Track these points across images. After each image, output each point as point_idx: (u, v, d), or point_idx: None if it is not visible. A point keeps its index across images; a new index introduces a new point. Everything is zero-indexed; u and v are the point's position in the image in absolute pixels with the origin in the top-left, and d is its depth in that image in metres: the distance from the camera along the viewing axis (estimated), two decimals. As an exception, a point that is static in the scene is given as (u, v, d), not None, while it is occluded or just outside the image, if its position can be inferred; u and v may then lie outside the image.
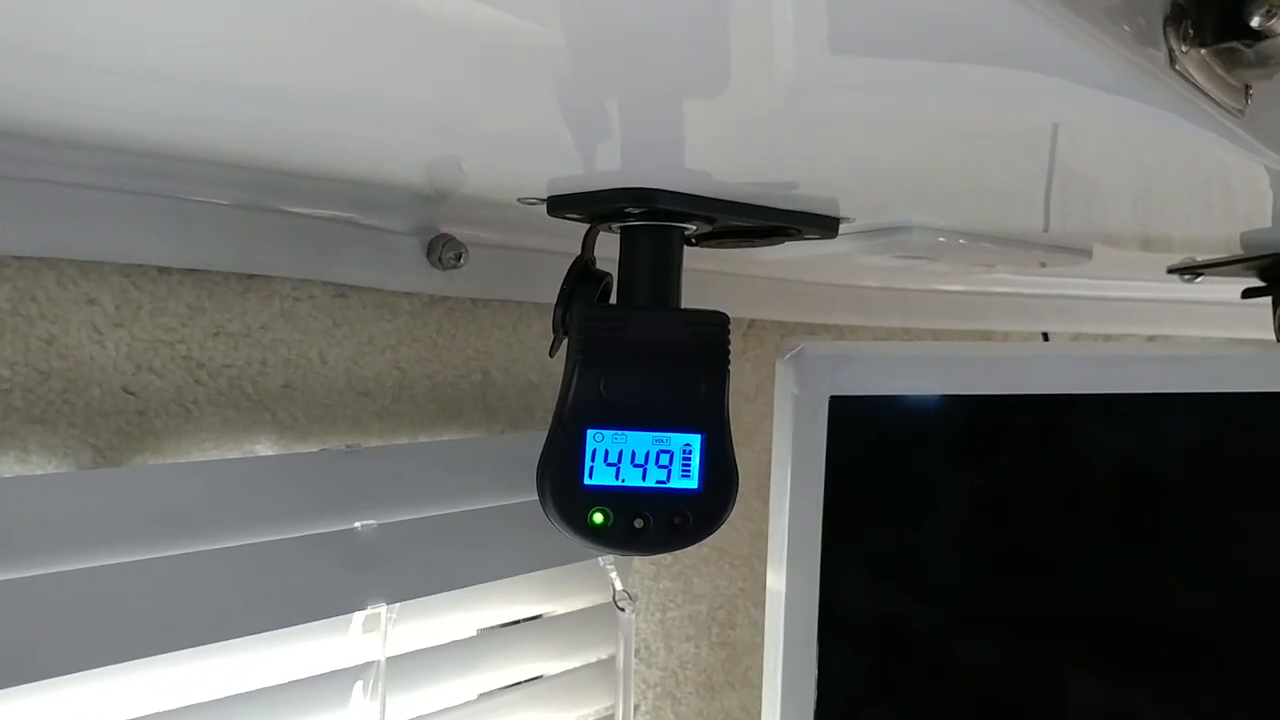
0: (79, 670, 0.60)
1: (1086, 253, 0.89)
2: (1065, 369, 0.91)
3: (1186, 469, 0.98)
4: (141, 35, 0.39)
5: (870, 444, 0.85)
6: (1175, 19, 0.40)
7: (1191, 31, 0.41)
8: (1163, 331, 1.34)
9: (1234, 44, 0.41)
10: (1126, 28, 0.40)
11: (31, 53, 0.41)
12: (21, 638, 0.58)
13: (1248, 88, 0.46)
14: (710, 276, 0.97)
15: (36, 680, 0.59)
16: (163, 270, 0.67)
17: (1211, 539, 0.99)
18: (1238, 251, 0.92)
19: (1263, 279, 0.99)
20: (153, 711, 0.65)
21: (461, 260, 0.78)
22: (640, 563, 1.01)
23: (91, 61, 0.43)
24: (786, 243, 0.75)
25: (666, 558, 1.05)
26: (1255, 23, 0.40)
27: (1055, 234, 0.84)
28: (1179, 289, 1.07)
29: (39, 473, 0.64)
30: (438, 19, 0.36)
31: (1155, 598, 1.00)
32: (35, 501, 0.60)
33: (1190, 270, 0.99)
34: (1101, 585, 0.97)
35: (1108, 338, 1.33)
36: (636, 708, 1.04)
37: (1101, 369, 0.92)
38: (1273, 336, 1.00)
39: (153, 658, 0.64)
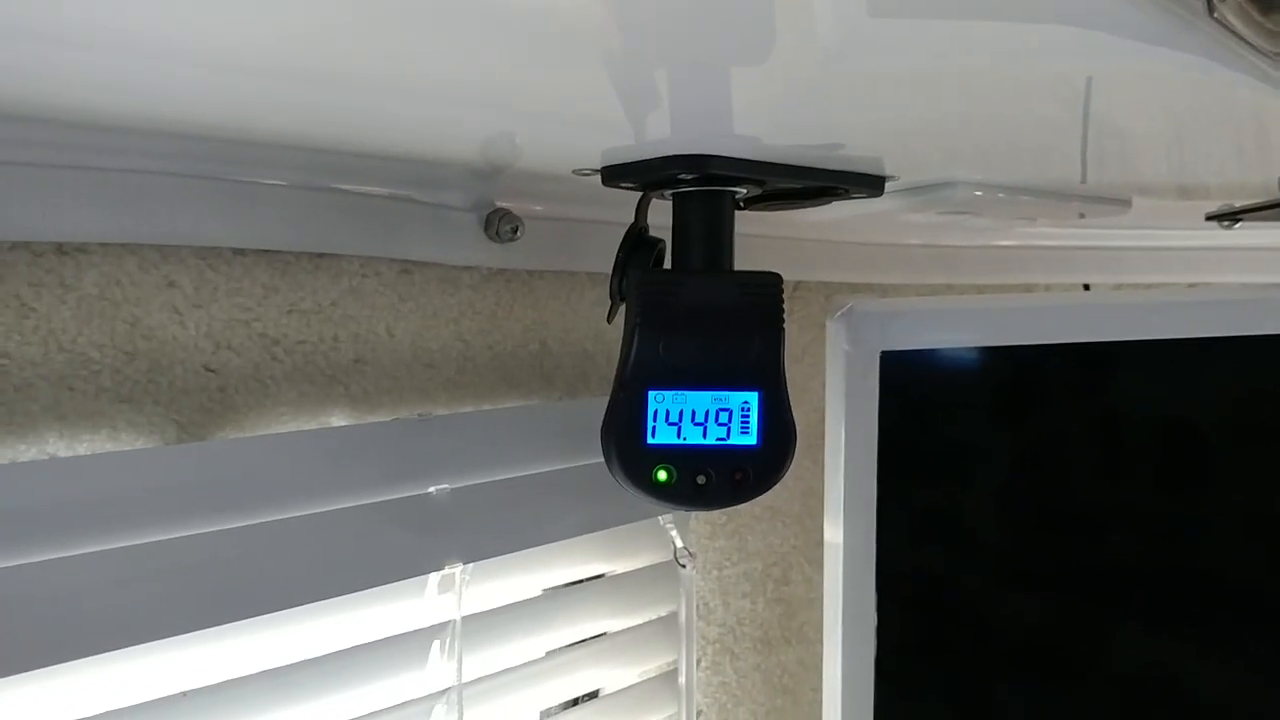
0: (178, 634, 0.64)
1: (1125, 203, 0.91)
2: (1111, 316, 0.93)
3: (1231, 413, 1.00)
4: (214, 23, 0.41)
5: (921, 397, 0.87)
6: (1213, -32, 0.42)
7: (1228, -22, 0.42)
8: (1203, 279, 1.35)
9: (1271, -11, 0.43)
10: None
11: (111, 43, 0.44)
12: (126, 603, 0.62)
13: (1283, 33, 0.47)
14: (755, 240, 0.99)
15: (140, 643, 0.63)
16: (237, 252, 0.70)
17: (1256, 484, 1.00)
18: (1276, 196, 0.93)
19: (1302, 223, 1.00)
20: (248, 672, 0.69)
21: (518, 233, 0.80)
22: (696, 522, 1.04)
23: (168, 50, 0.45)
24: (834, 202, 0.77)
25: (721, 517, 1.08)
26: (1293, -32, 0.42)
27: (1093, 185, 0.86)
28: (1218, 235, 1.08)
29: (128, 449, 0.67)
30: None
31: (1201, 546, 1.01)
32: (127, 476, 0.63)
33: (1229, 216, 1.00)
34: (1148, 534, 0.99)
35: (1148, 287, 1.34)
36: (697, 663, 1.07)
37: (1144, 315, 0.93)
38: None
39: (244, 621, 0.67)
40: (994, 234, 1.16)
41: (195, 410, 0.70)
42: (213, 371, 0.70)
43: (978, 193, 0.82)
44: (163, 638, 0.64)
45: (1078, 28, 0.44)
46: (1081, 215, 0.94)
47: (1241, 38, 0.44)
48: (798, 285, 1.11)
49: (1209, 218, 1.03)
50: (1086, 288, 1.29)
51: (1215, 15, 0.42)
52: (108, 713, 0.62)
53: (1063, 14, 0.43)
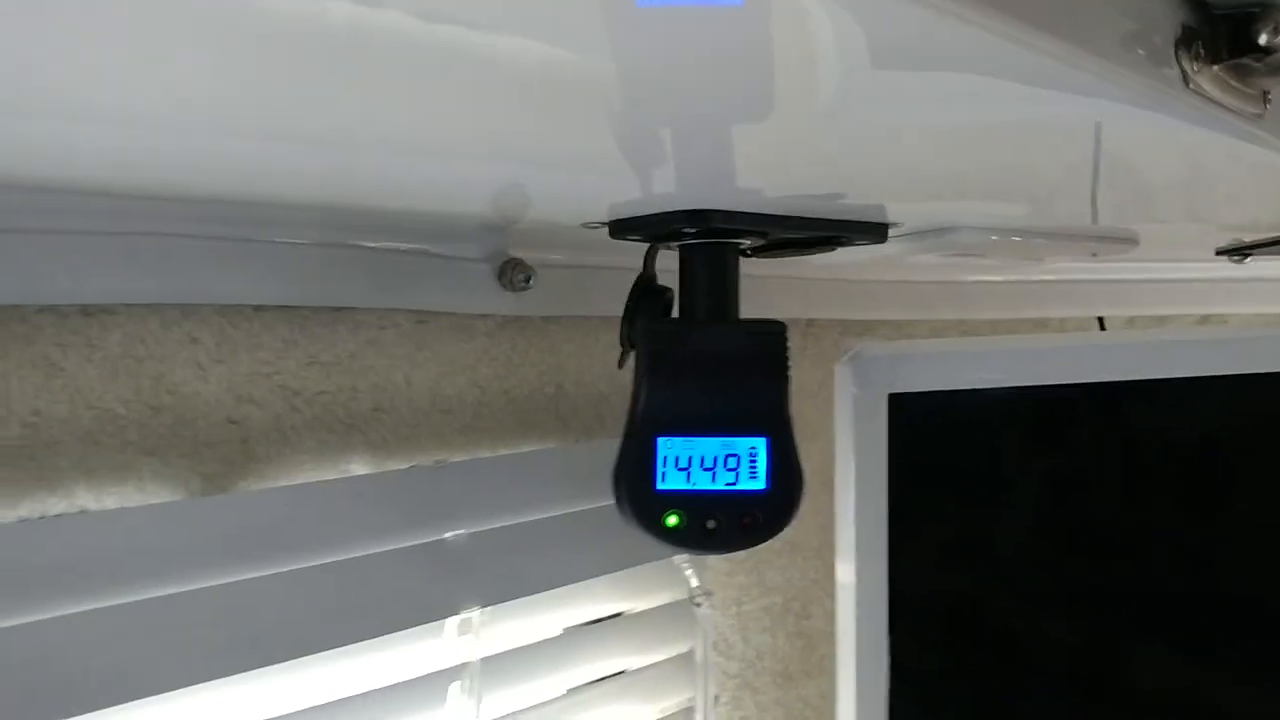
0: (204, 681, 0.66)
1: (1133, 241, 0.92)
2: (1118, 356, 0.94)
3: (1245, 449, 1.00)
4: (241, 96, 0.43)
5: (930, 438, 0.88)
6: (1186, 40, 0.43)
7: (1203, 51, 0.44)
8: (1215, 310, 1.35)
9: (1245, 60, 0.44)
10: (1140, 51, 0.43)
11: (126, 119, 0.45)
12: (153, 653, 0.64)
13: (1265, 93, 0.49)
14: (768, 281, 1.01)
15: (164, 692, 0.64)
16: (257, 308, 0.72)
17: (1273, 516, 1.01)
18: (1285, 231, 0.94)
19: (1312, 256, 1.00)
20: (273, 716, 0.70)
21: (530, 282, 0.82)
22: (715, 559, 1.05)
23: (185, 123, 0.47)
24: (838, 249, 0.78)
25: (739, 553, 1.09)
26: (1264, 40, 0.43)
27: (1103, 225, 0.87)
28: (1229, 268, 1.09)
29: (154, 501, 0.69)
30: (493, 62, 0.38)
31: (1218, 579, 1.02)
32: (154, 529, 0.65)
33: (1239, 251, 1.00)
34: (1159, 575, 0.99)
35: (1161, 319, 1.35)
36: (716, 698, 1.08)
37: (1155, 354, 0.94)
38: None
39: (267, 668, 0.69)
40: (1005, 270, 1.17)
41: (219, 461, 0.72)
42: (235, 423, 0.72)
43: (990, 237, 0.83)
44: (189, 685, 0.65)
45: (1070, 93, 0.45)
46: (1094, 254, 0.95)
47: (1221, 104, 0.46)
48: (810, 323, 1.12)
49: (1219, 252, 1.03)
50: (1100, 321, 1.30)
51: (1191, 86, 0.43)
52: (135, 759, 0.64)
53: (1054, 81, 0.44)
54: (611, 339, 0.94)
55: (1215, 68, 0.44)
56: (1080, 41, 0.41)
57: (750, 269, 0.73)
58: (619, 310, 0.74)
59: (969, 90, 0.46)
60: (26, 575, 0.60)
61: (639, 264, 0.75)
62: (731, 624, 1.10)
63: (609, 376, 0.94)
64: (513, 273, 0.81)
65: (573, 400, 0.92)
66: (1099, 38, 0.42)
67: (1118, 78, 0.42)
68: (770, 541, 1.03)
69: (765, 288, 1.01)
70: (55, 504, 0.65)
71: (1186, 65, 0.43)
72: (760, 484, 0.70)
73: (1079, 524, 0.97)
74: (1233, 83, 0.45)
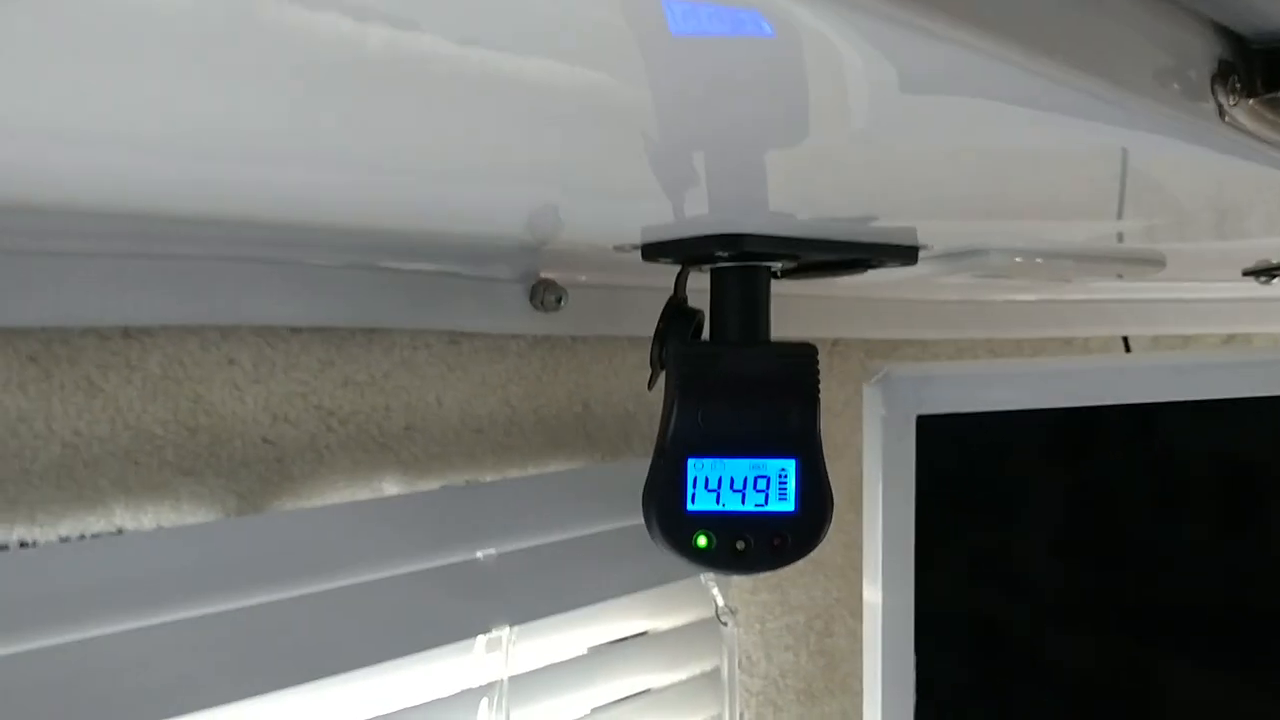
0: (236, 700, 0.66)
1: (1160, 262, 0.92)
2: (1145, 378, 0.94)
3: (1273, 469, 1.00)
4: (281, 126, 0.44)
5: (957, 459, 0.89)
6: (1223, 75, 0.44)
7: (1239, 85, 0.44)
8: (1241, 330, 1.35)
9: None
10: (1176, 86, 0.43)
11: (177, 149, 0.46)
12: (185, 672, 0.65)
13: (1301, 124, 0.49)
14: (795, 300, 1.01)
15: (198, 710, 0.65)
16: (294, 330, 0.73)
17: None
18: (1313, 252, 0.94)
19: (1339, 276, 1.00)
20: (303, 734, 0.71)
21: (562, 303, 0.83)
22: (738, 578, 1.06)
23: (229, 151, 0.48)
24: (868, 271, 0.79)
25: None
26: (1300, 74, 0.44)
27: (1129, 247, 0.87)
28: (1256, 289, 1.09)
29: (191, 520, 0.70)
30: (528, 87, 0.39)
31: (1244, 599, 1.02)
32: (190, 549, 0.66)
33: (1266, 272, 1.00)
34: (1190, 590, 0.99)
35: (1187, 339, 1.34)
36: (740, 716, 1.08)
37: (1183, 377, 0.94)
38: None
39: (300, 685, 0.70)
40: (1031, 290, 1.17)
41: (254, 480, 0.73)
42: (271, 443, 0.73)
43: (1018, 259, 0.83)
44: (224, 704, 0.66)
45: (1104, 124, 0.46)
46: (1120, 275, 0.95)
47: (1256, 136, 0.46)
48: (836, 342, 1.13)
49: (1246, 273, 1.03)
50: (1126, 342, 1.30)
51: (1226, 119, 0.44)
52: (172, 776, 0.65)
53: (1087, 111, 0.44)
54: (638, 359, 0.95)
55: (1251, 101, 0.44)
56: (1117, 78, 0.41)
57: (776, 288, 0.74)
58: (647, 331, 0.74)
59: (1001, 119, 0.46)
60: (66, 595, 0.60)
61: (668, 284, 0.75)
62: (755, 641, 1.10)
63: (636, 396, 0.95)
64: (545, 293, 0.82)
65: (600, 419, 0.93)
66: (1136, 73, 0.42)
67: (1153, 111, 0.42)
68: (795, 560, 1.04)
69: (790, 306, 1.01)
70: (94, 523, 0.66)
71: (1222, 99, 0.43)
72: (790, 505, 0.70)
73: (1105, 544, 0.97)
74: (1268, 115, 0.46)
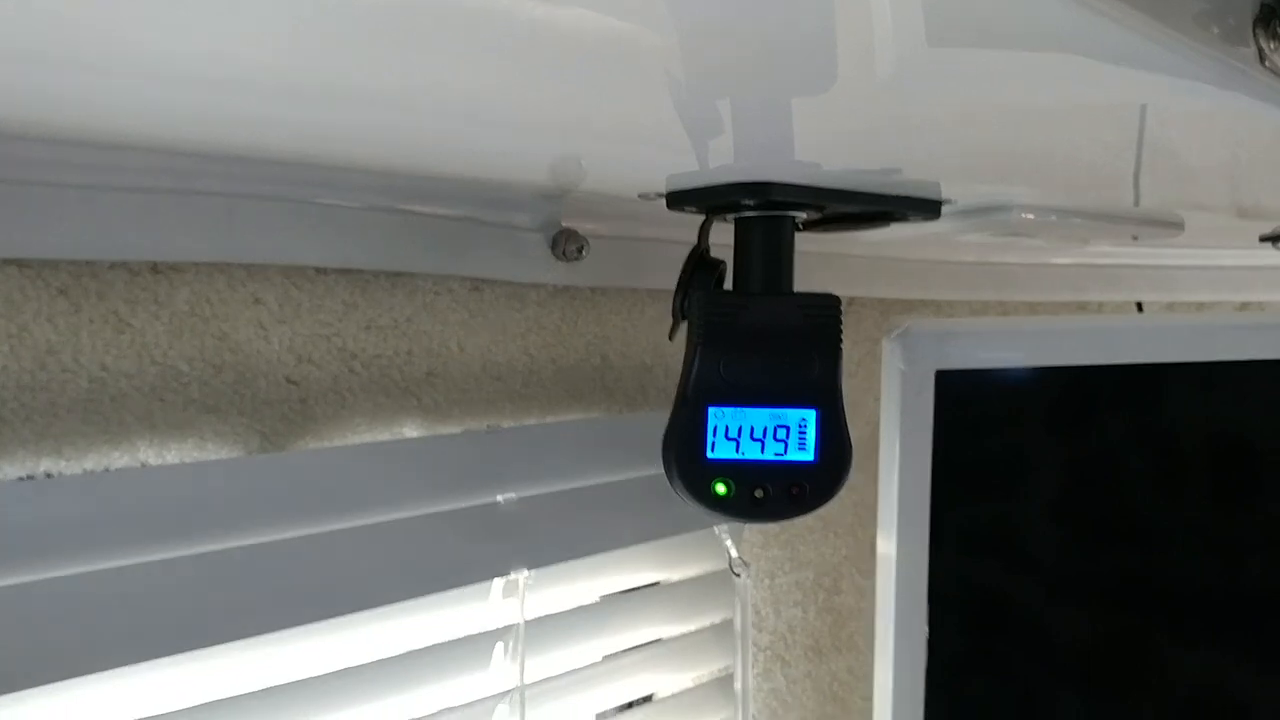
0: (259, 634, 0.67)
1: (1178, 225, 0.92)
2: (1162, 338, 0.94)
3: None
4: (310, 61, 0.44)
5: (975, 416, 0.89)
6: (1264, 19, 0.44)
7: (1280, 29, 0.44)
8: (1255, 298, 1.35)
9: (1322, 39, 0.44)
10: (1215, 29, 0.43)
11: (209, 81, 0.47)
12: (205, 605, 0.65)
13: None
14: (809, 258, 1.01)
15: (224, 642, 0.66)
16: (320, 270, 0.74)
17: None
18: (1331, 218, 0.94)
19: (1356, 245, 1.00)
20: (322, 672, 0.72)
21: (583, 252, 0.83)
22: (749, 532, 1.06)
23: (259, 85, 0.48)
24: (891, 225, 0.79)
25: (774, 527, 1.10)
26: (1342, 19, 0.44)
27: (1147, 208, 0.87)
28: (1271, 255, 1.09)
29: (214, 458, 0.71)
30: (557, 29, 0.39)
31: (1257, 564, 1.02)
32: (213, 485, 0.66)
33: (1283, 238, 1.01)
34: (1202, 551, 1.00)
35: (1200, 305, 1.35)
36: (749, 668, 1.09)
37: (1196, 336, 0.94)
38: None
39: (319, 622, 0.71)
40: (1047, 252, 1.18)
41: (277, 420, 0.73)
42: (294, 384, 0.74)
43: (1031, 216, 0.83)
44: (245, 638, 0.67)
45: (1135, 69, 0.46)
46: (1135, 238, 0.96)
47: (1293, 82, 0.46)
48: (851, 301, 1.13)
49: (1263, 239, 1.03)
50: (1139, 306, 1.30)
51: (1267, 64, 0.44)
52: (193, 707, 0.66)
53: (1120, 56, 0.44)
54: (657, 312, 0.95)
55: (1292, 46, 0.44)
56: (1156, 15, 0.41)
57: (795, 245, 0.74)
58: (667, 284, 0.75)
59: (1033, 66, 0.46)
60: (90, 526, 0.61)
61: (688, 238, 0.75)
62: (764, 596, 1.11)
63: (653, 349, 0.95)
64: (566, 243, 0.82)
65: (618, 372, 0.93)
66: (1176, 15, 0.42)
67: (1192, 53, 0.43)
68: (804, 518, 1.05)
69: (807, 264, 1.01)
70: (118, 458, 0.67)
71: (1264, 43, 0.43)
72: (809, 455, 0.71)
73: (1119, 505, 0.98)
74: (1308, 62, 0.45)
